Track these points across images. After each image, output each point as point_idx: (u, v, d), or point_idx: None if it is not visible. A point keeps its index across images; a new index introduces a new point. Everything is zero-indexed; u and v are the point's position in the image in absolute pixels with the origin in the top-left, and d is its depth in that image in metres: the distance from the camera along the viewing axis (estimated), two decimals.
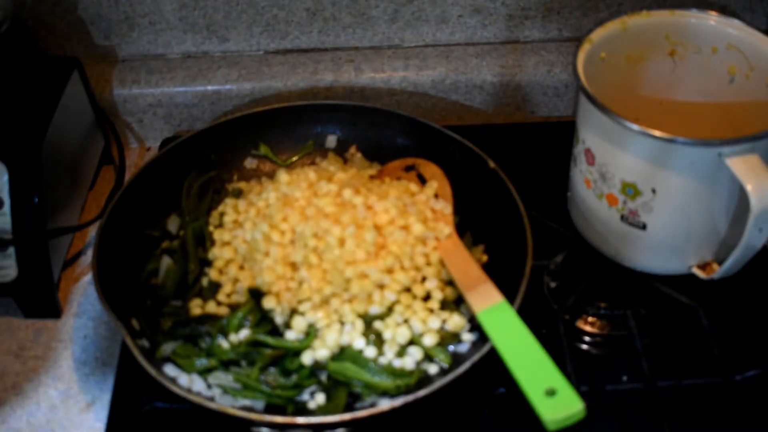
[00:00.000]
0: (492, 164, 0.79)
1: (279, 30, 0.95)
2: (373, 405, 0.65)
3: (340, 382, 0.68)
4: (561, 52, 0.95)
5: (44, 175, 0.76)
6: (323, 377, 0.69)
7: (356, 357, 0.68)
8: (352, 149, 0.87)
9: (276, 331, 0.71)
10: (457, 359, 0.69)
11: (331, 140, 0.87)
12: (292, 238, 0.73)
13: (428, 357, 0.69)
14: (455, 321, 0.71)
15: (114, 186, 0.89)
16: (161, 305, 0.73)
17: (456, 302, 0.73)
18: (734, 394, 0.70)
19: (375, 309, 0.70)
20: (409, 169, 0.83)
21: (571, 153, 0.78)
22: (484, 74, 0.94)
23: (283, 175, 0.80)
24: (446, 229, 0.76)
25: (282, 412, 0.66)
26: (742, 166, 0.64)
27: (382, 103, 0.94)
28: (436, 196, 0.80)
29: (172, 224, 0.79)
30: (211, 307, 0.73)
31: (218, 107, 0.95)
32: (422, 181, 0.82)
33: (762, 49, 0.74)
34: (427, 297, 0.73)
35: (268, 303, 0.71)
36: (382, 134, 0.86)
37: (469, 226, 0.79)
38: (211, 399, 0.66)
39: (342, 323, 0.70)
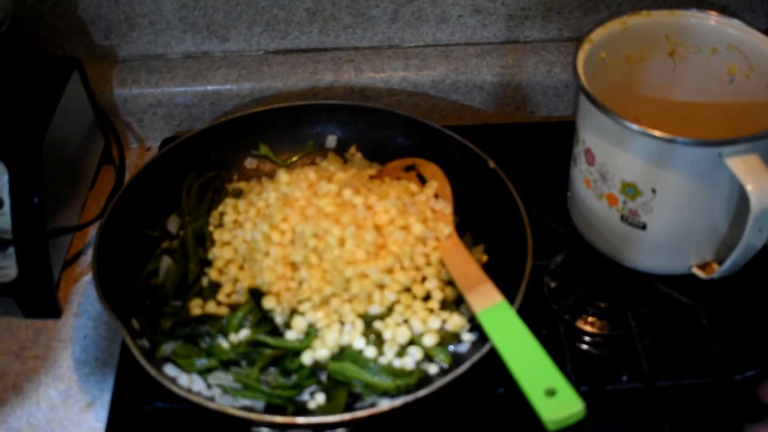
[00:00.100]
0: (492, 164, 0.79)
1: (279, 30, 0.95)
2: (373, 405, 0.65)
3: (340, 382, 0.68)
4: (561, 52, 0.95)
5: (44, 175, 0.76)
6: (323, 377, 0.69)
7: (356, 357, 0.68)
8: (352, 149, 0.87)
9: (276, 331, 0.71)
10: (457, 359, 0.69)
11: (331, 140, 0.87)
12: (292, 238, 0.73)
13: (428, 357, 0.69)
14: (455, 321, 0.71)
15: (114, 186, 0.89)
16: (161, 305, 0.73)
17: (456, 302, 0.73)
18: (734, 394, 0.70)
19: (375, 309, 0.70)
20: (409, 169, 0.83)
21: (571, 153, 0.78)
22: (484, 74, 0.94)
23: (283, 175, 0.80)
24: (446, 229, 0.76)
25: (282, 412, 0.66)
26: (742, 166, 0.64)
27: (382, 103, 0.94)
28: (436, 196, 0.80)
29: (172, 224, 0.79)
30: (211, 307, 0.73)
31: (218, 107, 0.95)
32: (422, 181, 0.82)
33: (762, 49, 0.74)
34: (427, 297, 0.73)
35: (268, 303, 0.71)
36: (382, 134, 0.86)
37: (469, 226, 0.79)
38: (211, 399, 0.66)
39: (342, 323, 0.70)
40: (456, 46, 0.96)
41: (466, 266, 0.72)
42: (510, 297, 0.68)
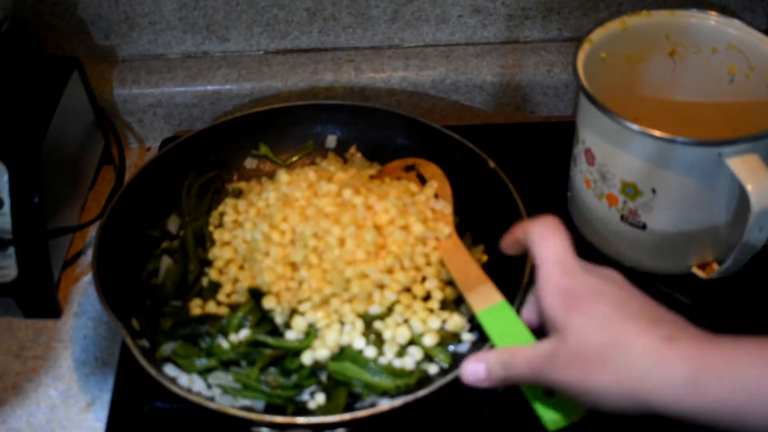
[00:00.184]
0: (492, 164, 0.78)
1: (279, 30, 0.95)
2: (373, 405, 0.65)
3: (340, 382, 0.68)
4: (561, 52, 0.95)
5: (44, 175, 0.76)
6: (323, 377, 0.69)
7: (356, 357, 0.68)
8: (352, 149, 0.87)
9: (276, 331, 0.71)
10: (457, 359, 0.68)
11: (331, 140, 0.87)
12: (292, 238, 0.73)
13: (428, 357, 0.69)
14: (455, 321, 0.71)
15: (114, 186, 0.89)
16: (161, 305, 0.73)
17: (456, 302, 0.73)
18: None
19: (375, 309, 0.70)
20: (409, 169, 0.83)
21: (571, 153, 0.78)
22: (484, 74, 0.94)
23: (283, 175, 0.80)
24: (446, 229, 0.76)
25: (282, 412, 0.66)
26: (742, 166, 0.64)
27: (382, 103, 0.94)
28: (436, 196, 0.80)
29: (172, 224, 0.79)
30: (211, 307, 0.73)
31: (218, 107, 0.95)
32: (422, 181, 0.82)
33: (762, 49, 0.74)
34: (427, 297, 0.73)
35: (268, 303, 0.71)
36: (382, 134, 0.86)
37: (469, 226, 0.79)
38: (211, 399, 0.66)
39: (342, 323, 0.70)
40: (456, 46, 0.96)
41: (466, 266, 0.72)
42: (510, 297, 0.68)
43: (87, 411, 0.72)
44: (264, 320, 0.71)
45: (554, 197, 0.82)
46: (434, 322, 0.71)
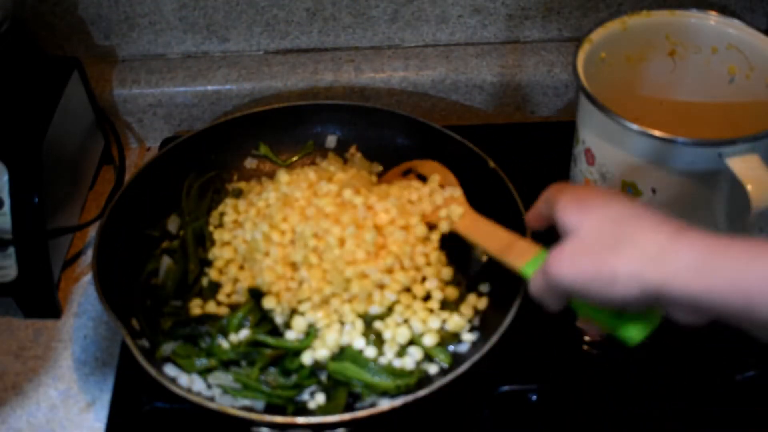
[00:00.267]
0: (492, 164, 0.78)
1: (279, 30, 0.95)
2: (373, 405, 0.65)
3: (340, 382, 0.68)
4: (561, 52, 0.95)
5: (44, 175, 0.76)
6: (323, 377, 0.69)
7: (356, 357, 0.68)
8: (352, 149, 0.87)
9: (276, 331, 0.71)
10: (457, 359, 0.69)
11: (331, 140, 0.87)
12: (292, 238, 0.73)
13: (428, 357, 0.69)
14: (455, 321, 0.71)
15: (114, 186, 0.89)
16: (161, 305, 0.73)
17: (456, 302, 0.73)
18: (734, 394, 0.70)
19: (375, 309, 0.70)
20: (407, 173, 0.83)
21: (571, 153, 0.78)
22: (484, 74, 0.94)
23: (283, 175, 0.79)
24: (458, 209, 0.75)
25: (282, 412, 0.66)
26: (742, 166, 0.64)
27: (382, 103, 0.94)
28: (442, 186, 0.79)
29: (172, 224, 0.79)
30: (211, 307, 0.73)
31: (218, 107, 0.95)
32: (424, 180, 0.82)
33: (762, 49, 0.74)
34: (427, 297, 0.73)
35: (268, 303, 0.71)
36: (382, 134, 0.86)
37: None
38: (211, 399, 0.66)
39: (342, 323, 0.70)
40: (456, 46, 0.96)
41: (493, 234, 0.71)
42: (510, 297, 0.68)
43: (87, 411, 0.72)
44: (264, 320, 0.71)
45: None
46: (434, 322, 0.71)
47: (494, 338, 0.66)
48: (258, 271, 0.73)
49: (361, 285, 0.70)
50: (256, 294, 0.72)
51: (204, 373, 0.68)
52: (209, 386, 0.67)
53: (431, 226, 0.76)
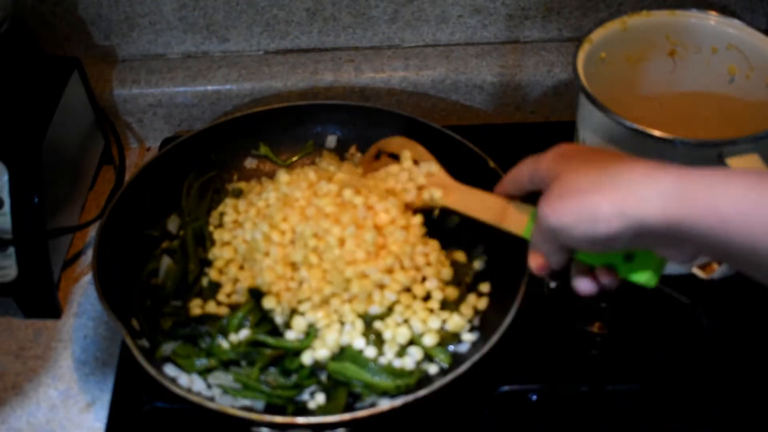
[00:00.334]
0: (492, 164, 0.78)
1: (279, 30, 0.95)
2: (373, 405, 0.65)
3: (340, 382, 0.68)
4: (561, 52, 0.95)
5: (44, 175, 0.76)
6: (323, 377, 0.69)
7: (356, 357, 0.68)
8: (352, 149, 0.87)
9: (276, 331, 0.71)
10: (457, 359, 0.69)
11: (331, 140, 0.87)
12: (292, 238, 0.73)
13: (428, 357, 0.69)
14: (455, 321, 0.71)
15: (114, 186, 0.89)
16: (161, 305, 0.73)
17: (456, 302, 0.73)
18: (734, 394, 0.70)
19: (375, 309, 0.70)
20: (378, 157, 0.82)
21: None
22: (484, 74, 0.94)
23: (283, 175, 0.79)
24: (437, 192, 0.75)
25: (282, 412, 0.66)
26: (742, 166, 0.64)
27: (382, 103, 0.94)
28: (416, 162, 0.79)
29: (172, 224, 0.79)
30: (211, 307, 0.73)
31: (218, 107, 0.95)
32: (396, 159, 0.81)
33: (762, 49, 0.74)
34: (427, 297, 0.73)
35: (268, 303, 0.71)
36: (382, 134, 0.85)
37: (468, 225, 0.79)
38: (211, 399, 0.66)
39: (342, 323, 0.70)
40: (456, 46, 0.96)
41: (484, 203, 0.71)
42: (510, 297, 0.68)
43: (87, 411, 0.72)
44: (264, 320, 0.71)
45: None
46: (434, 322, 0.71)
47: (494, 338, 0.66)
48: (258, 271, 0.73)
49: (361, 285, 0.70)
50: (256, 294, 0.72)
51: (204, 373, 0.68)
52: (209, 386, 0.67)
53: (418, 211, 0.76)
